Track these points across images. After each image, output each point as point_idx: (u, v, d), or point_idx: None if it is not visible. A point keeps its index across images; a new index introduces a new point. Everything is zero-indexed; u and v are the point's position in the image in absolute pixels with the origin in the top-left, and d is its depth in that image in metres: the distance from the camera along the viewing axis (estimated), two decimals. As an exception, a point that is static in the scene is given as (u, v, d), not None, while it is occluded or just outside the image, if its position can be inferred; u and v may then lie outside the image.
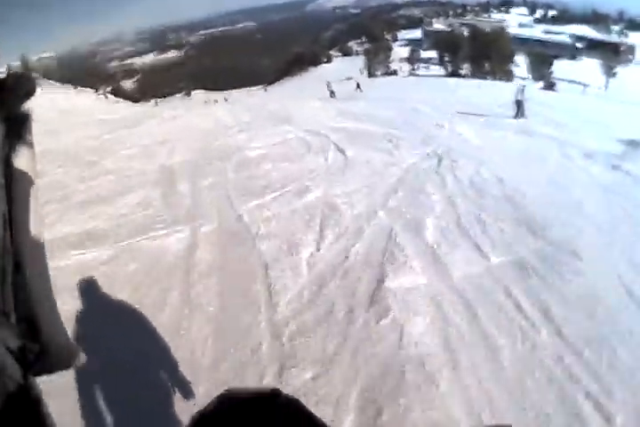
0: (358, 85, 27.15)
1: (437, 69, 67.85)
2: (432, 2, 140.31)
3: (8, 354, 0.58)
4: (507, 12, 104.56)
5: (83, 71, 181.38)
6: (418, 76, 53.26)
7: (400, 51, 78.89)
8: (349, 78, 50.37)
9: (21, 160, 0.65)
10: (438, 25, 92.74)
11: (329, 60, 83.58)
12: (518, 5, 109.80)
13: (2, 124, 0.61)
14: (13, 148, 0.63)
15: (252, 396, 0.71)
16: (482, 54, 61.08)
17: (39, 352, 0.64)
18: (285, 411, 0.66)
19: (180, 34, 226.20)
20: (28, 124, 0.65)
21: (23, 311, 0.63)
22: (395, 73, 64.42)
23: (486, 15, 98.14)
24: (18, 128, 0.64)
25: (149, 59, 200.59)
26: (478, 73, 59.15)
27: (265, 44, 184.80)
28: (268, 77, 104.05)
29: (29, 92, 0.64)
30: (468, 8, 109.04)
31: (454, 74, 60.18)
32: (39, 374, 0.65)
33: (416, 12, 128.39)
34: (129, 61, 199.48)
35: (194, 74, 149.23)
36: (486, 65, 61.24)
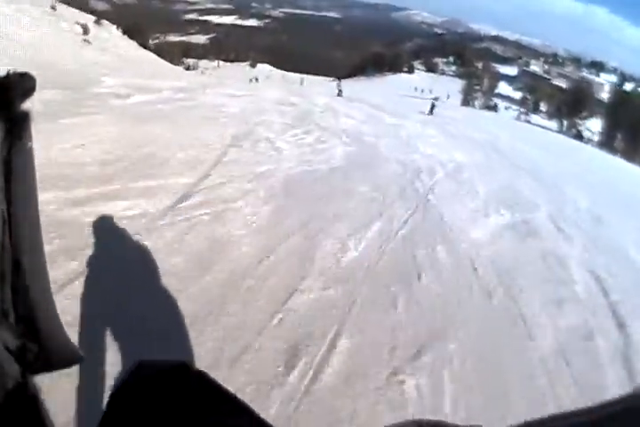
0: (432, 108, 23.55)
1: (535, 118, 58.29)
2: (517, 43, 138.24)
3: (7, 353, 0.59)
4: (597, 74, 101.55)
5: (148, 15, 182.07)
6: (527, 121, 43.49)
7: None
8: (435, 99, 46.58)
9: (21, 160, 0.65)
10: (535, 67, 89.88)
11: (410, 71, 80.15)
12: (609, 72, 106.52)
13: (1, 124, 0.61)
14: (13, 147, 0.63)
15: (163, 368, 0.71)
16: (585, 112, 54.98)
17: (38, 351, 0.65)
18: (196, 383, 0.67)
19: (264, 4, 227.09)
20: (27, 124, 0.65)
21: (22, 311, 0.65)
22: (494, 109, 54.43)
23: (582, 71, 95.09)
24: (17, 128, 0.63)
25: (228, 20, 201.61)
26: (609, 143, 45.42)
27: (343, 38, 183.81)
28: (339, 70, 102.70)
29: (29, 91, 0.65)
30: (559, 59, 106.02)
31: (578, 136, 42.38)
32: (38, 373, 0.64)
33: (498, 48, 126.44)
34: (207, 17, 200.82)
35: (267, 47, 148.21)
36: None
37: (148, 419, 0.59)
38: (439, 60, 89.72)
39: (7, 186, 0.62)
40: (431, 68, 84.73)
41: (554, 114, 57.81)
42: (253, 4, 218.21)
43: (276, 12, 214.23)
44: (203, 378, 0.69)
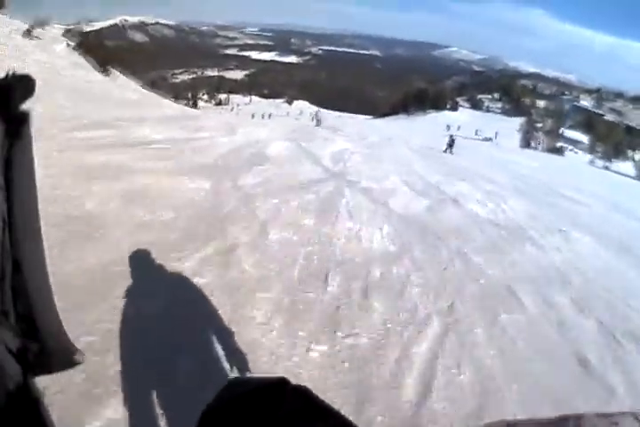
0: (450, 145, 18.35)
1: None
2: (555, 79, 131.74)
3: (8, 354, 0.59)
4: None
5: (186, 48, 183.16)
6: (605, 168, 36.56)
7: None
8: (487, 139, 39.96)
9: (21, 160, 0.66)
10: (585, 102, 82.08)
11: (454, 108, 73.73)
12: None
13: (2, 124, 0.62)
14: (13, 147, 0.64)
15: (259, 384, 0.70)
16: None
17: (39, 352, 0.65)
18: (294, 399, 0.65)
19: (305, 42, 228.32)
20: (27, 124, 0.66)
21: (23, 311, 0.65)
22: (560, 151, 44.61)
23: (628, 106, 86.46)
24: (18, 128, 0.64)
25: (268, 56, 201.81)
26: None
27: (384, 75, 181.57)
28: (379, 108, 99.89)
29: (29, 93, 0.65)
30: (603, 94, 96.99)
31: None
32: (39, 373, 0.66)
33: (539, 85, 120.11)
34: (246, 53, 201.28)
35: (305, 84, 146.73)
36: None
37: None
38: (483, 97, 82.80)
39: (7, 186, 0.62)
40: (476, 105, 78.13)
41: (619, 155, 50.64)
42: (293, 41, 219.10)
43: (316, 49, 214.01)
44: (302, 393, 0.66)
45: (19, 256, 0.63)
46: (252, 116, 46.46)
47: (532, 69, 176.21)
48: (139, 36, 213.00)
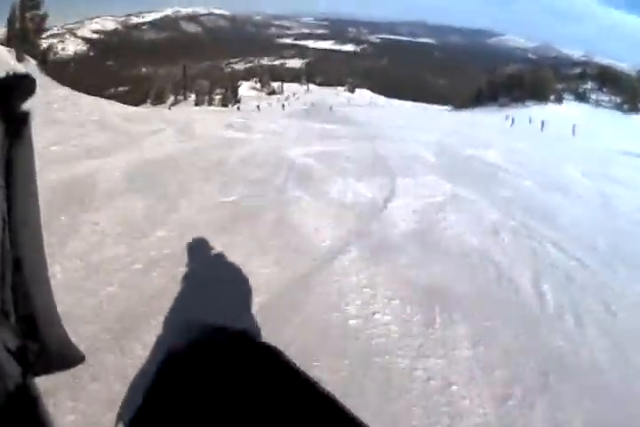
0: None
1: None
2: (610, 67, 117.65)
3: (7, 354, 0.58)
4: None
5: (242, 39, 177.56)
6: None
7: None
8: None
9: (21, 160, 0.65)
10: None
11: (558, 100, 58.42)
12: None
13: (2, 124, 0.61)
14: (13, 147, 0.63)
15: (225, 336, 0.68)
16: None
17: (38, 352, 0.65)
18: (258, 354, 0.64)
19: (361, 30, 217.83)
20: (28, 124, 0.65)
21: (23, 311, 0.64)
22: None
23: None
24: (18, 127, 0.63)
25: (325, 45, 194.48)
26: None
27: (443, 64, 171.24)
28: (447, 97, 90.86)
29: (30, 91, 0.64)
30: None
31: None
32: (39, 374, 0.65)
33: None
34: (303, 42, 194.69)
35: (365, 72, 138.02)
36: None
37: (202, 386, 0.56)
38: (586, 87, 66.79)
39: (8, 185, 0.61)
40: (582, 98, 62.26)
41: None
42: (350, 30, 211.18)
43: (373, 38, 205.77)
44: (263, 344, 0.65)
45: (19, 256, 0.63)
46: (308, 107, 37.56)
47: (582, 57, 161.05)
48: (192, 27, 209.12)
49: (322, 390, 0.56)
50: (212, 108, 57.10)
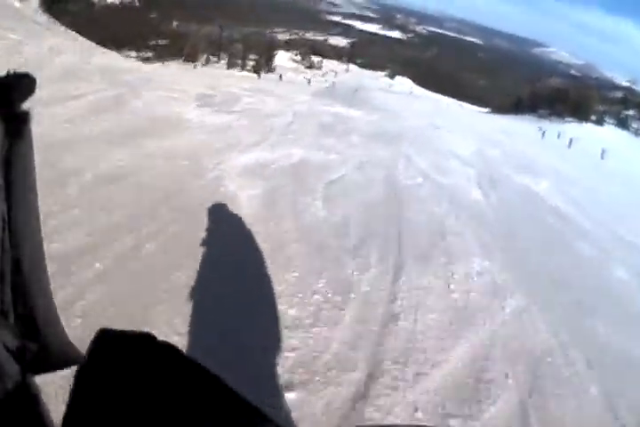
0: None
1: None
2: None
3: (7, 354, 0.58)
4: None
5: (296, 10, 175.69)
6: None
7: None
8: None
9: (21, 160, 0.64)
10: None
11: (599, 122, 57.14)
12: None
13: (2, 124, 0.61)
14: (13, 147, 0.62)
15: (128, 339, 0.65)
16: None
17: (38, 351, 0.64)
18: (162, 353, 0.62)
19: (409, 19, 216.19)
20: (28, 124, 0.64)
21: (22, 311, 0.64)
22: None
23: None
24: (18, 127, 0.63)
25: (372, 28, 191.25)
26: None
27: (484, 65, 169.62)
28: (486, 98, 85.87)
29: (29, 91, 0.64)
30: None
31: None
32: (38, 373, 0.64)
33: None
34: (349, 22, 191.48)
35: (408, 61, 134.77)
36: None
37: (118, 394, 0.55)
38: (627, 113, 65.56)
39: (7, 185, 0.61)
40: (623, 123, 61.15)
41: None
42: (398, 17, 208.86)
43: (420, 28, 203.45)
44: (170, 348, 0.64)
45: (19, 256, 0.63)
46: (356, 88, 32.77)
47: (625, 82, 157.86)
48: None
49: (225, 385, 0.57)
50: (241, 73, 56.52)
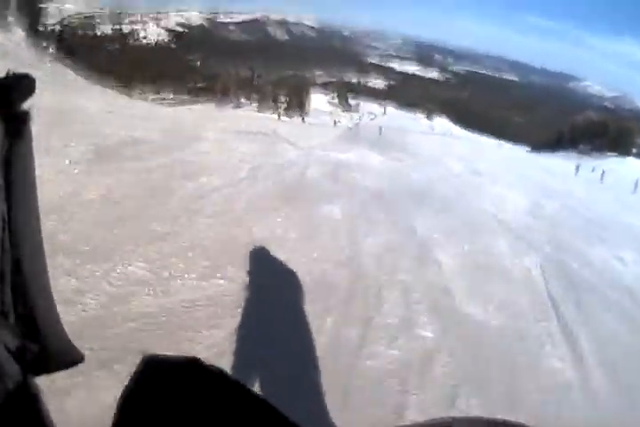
0: None
1: None
2: None
3: (7, 354, 0.58)
4: None
5: (333, 53, 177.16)
6: None
7: None
8: None
9: (21, 160, 0.64)
10: None
11: None
12: None
13: (2, 124, 0.60)
14: (13, 147, 0.62)
15: (173, 364, 0.66)
16: None
17: (38, 352, 0.64)
18: (209, 377, 0.63)
19: (446, 58, 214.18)
20: (28, 124, 0.64)
21: (22, 312, 0.64)
22: None
23: None
24: (18, 127, 0.62)
25: (410, 69, 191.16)
26: None
27: (520, 102, 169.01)
28: (521, 136, 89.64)
29: (29, 92, 0.63)
30: None
31: None
32: (38, 373, 0.64)
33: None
34: (388, 64, 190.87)
35: (446, 101, 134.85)
36: None
37: (162, 419, 0.56)
38: None
39: (7, 185, 0.61)
40: None
41: None
42: (435, 56, 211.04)
43: (458, 68, 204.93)
44: (217, 372, 0.64)
45: (19, 256, 0.62)
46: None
47: None
48: (279, 33, 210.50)
49: (272, 408, 0.55)
50: (263, 114, 56.72)
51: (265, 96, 74.98)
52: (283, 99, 76.27)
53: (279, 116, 48.09)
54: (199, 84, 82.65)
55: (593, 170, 31.78)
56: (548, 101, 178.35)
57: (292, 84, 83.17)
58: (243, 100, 74.51)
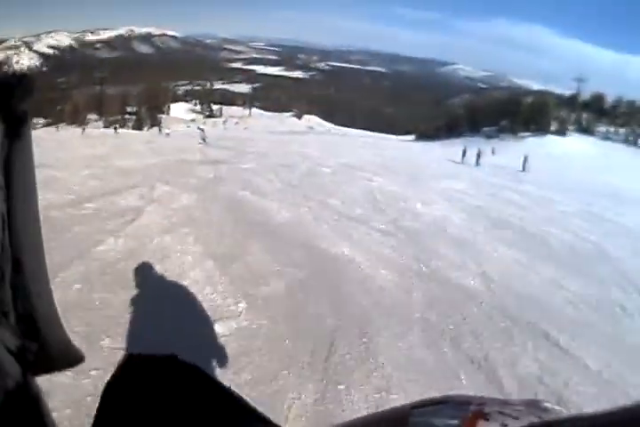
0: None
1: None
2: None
3: (7, 353, 0.57)
4: None
5: (191, 61, 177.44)
6: None
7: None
8: None
9: (21, 160, 0.62)
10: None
11: (561, 132, 42.64)
12: None
13: (1, 124, 0.57)
14: (13, 147, 0.59)
15: (153, 360, 0.68)
16: None
17: (38, 352, 0.62)
18: (185, 373, 0.65)
19: (311, 57, 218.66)
20: (27, 124, 0.61)
21: (23, 311, 0.62)
22: None
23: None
24: (18, 127, 0.59)
25: (274, 71, 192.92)
26: None
27: (390, 93, 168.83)
28: (392, 126, 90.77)
29: (29, 91, 0.59)
30: None
31: None
32: (38, 373, 0.62)
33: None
34: (252, 67, 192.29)
35: (314, 99, 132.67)
36: None
37: (142, 415, 0.57)
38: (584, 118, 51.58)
39: (7, 185, 0.60)
40: (585, 130, 46.41)
41: None
42: (300, 56, 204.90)
43: (322, 65, 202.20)
44: (193, 369, 0.66)
45: (19, 256, 0.61)
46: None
47: (535, 87, 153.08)
48: (144, 48, 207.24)
49: (246, 404, 0.57)
50: (104, 130, 45.27)
51: (114, 112, 72.89)
52: (131, 110, 76.03)
53: (115, 129, 40.44)
54: (59, 107, 79.74)
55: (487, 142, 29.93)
56: (421, 89, 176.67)
57: (149, 95, 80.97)
58: (93, 116, 71.89)
